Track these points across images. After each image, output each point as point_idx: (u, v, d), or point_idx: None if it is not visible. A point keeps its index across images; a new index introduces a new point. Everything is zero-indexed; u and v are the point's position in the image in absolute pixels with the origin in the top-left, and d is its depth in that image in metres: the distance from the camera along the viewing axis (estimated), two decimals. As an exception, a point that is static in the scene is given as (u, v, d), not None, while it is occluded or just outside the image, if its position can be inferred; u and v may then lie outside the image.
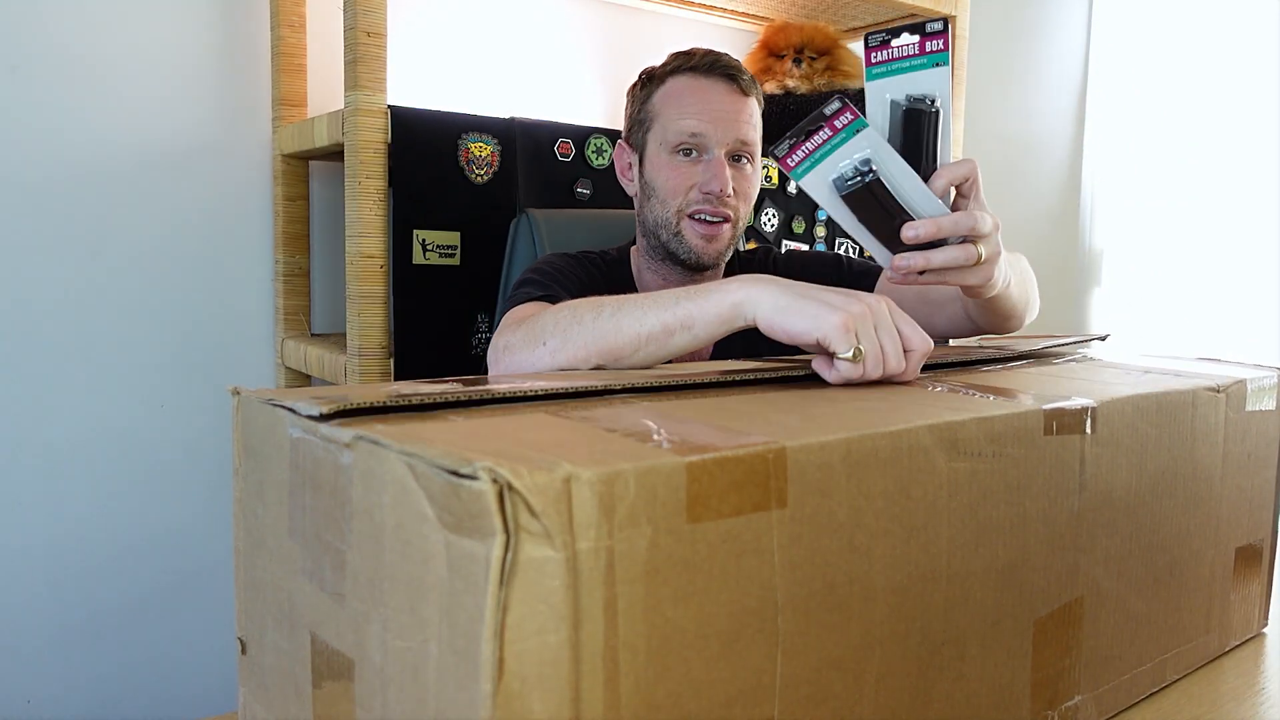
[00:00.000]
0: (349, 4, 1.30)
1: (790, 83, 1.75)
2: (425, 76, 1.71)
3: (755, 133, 1.14)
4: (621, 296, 0.81)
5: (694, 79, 1.12)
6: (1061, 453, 0.58)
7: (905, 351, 0.67)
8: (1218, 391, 0.71)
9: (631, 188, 1.18)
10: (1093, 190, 2.42)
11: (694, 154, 1.10)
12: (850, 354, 0.65)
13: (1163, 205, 2.30)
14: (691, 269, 1.14)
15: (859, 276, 1.20)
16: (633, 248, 1.23)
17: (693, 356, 1.17)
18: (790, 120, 1.74)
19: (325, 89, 1.62)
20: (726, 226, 1.12)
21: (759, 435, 0.44)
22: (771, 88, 1.75)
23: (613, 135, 1.56)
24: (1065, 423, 0.58)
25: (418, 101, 1.57)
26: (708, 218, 1.11)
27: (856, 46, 1.88)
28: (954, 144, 1.96)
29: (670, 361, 0.81)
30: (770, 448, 0.43)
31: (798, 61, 1.74)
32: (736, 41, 2.07)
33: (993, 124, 2.52)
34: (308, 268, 1.63)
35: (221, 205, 1.57)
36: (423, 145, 1.36)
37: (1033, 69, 2.49)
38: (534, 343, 0.83)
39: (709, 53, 1.13)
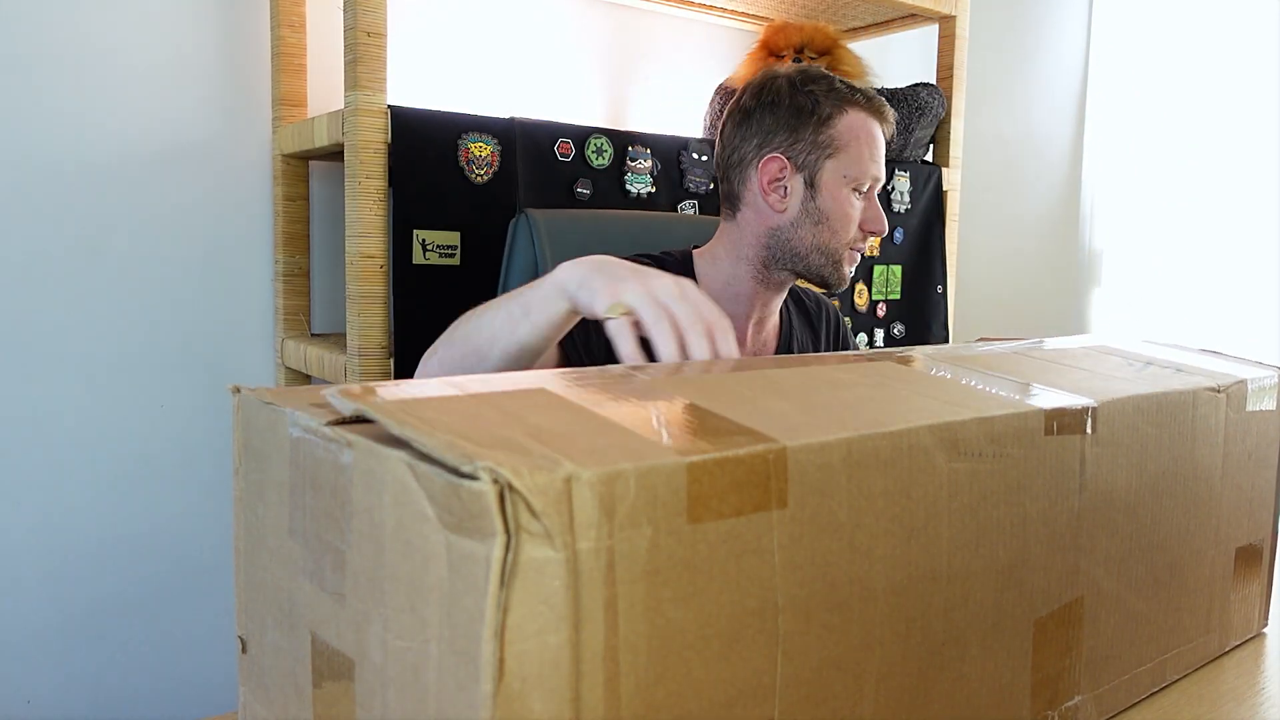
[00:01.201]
0: (349, 4, 1.30)
1: (785, 77, 1.74)
2: (425, 76, 1.71)
3: None
4: (505, 295, 0.81)
5: (870, 120, 1.15)
6: (1062, 453, 0.58)
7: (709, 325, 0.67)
8: (1218, 391, 0.71)
9: (781, 204, 1.14)
10: (1093, 190, 2.42)
11: (862, 194, 1.16)
12: (607, 310, 0.66)
13: (1163, 205, 2.30)
14: (826, 289, 1.20)
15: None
16: (698, 251, 1.21)
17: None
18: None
19: (325, 89, 1.62)
20: None
21: (759, 427, 0.44)
22: (771, 88, 1.75)
23: (613, 135, 1.55)
24: (1066, 423, 0.58)
25: (418, 101, 1.57)
26: (862, 252, 1.20)
27: (856, 46, 1.88)
28: (954, 144, 1.96)
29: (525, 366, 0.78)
30: (771, 448, 0.43)
31: (797, 60, 1.74)
32: (736, 41, 2.07)
33: (993, 124, 2.52)
34: (308, 268, 1.63)
35: (221, 205, 1.57)
36: (423, 145, 1.36)
37: (1033, 69, 2.49)
38: (429, 354, 0.83)
39: (877, 95, 1.17)
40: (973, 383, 0.61)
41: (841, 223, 1.14)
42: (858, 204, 1.14)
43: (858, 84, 1.18)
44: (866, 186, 1.14)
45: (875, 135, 1.15)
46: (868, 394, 0.55)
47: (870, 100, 1.15)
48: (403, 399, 0.44)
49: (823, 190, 1.13)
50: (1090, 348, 0.80)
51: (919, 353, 0.69)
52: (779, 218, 1.14)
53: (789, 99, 1.13)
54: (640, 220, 1.45)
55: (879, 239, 1.89)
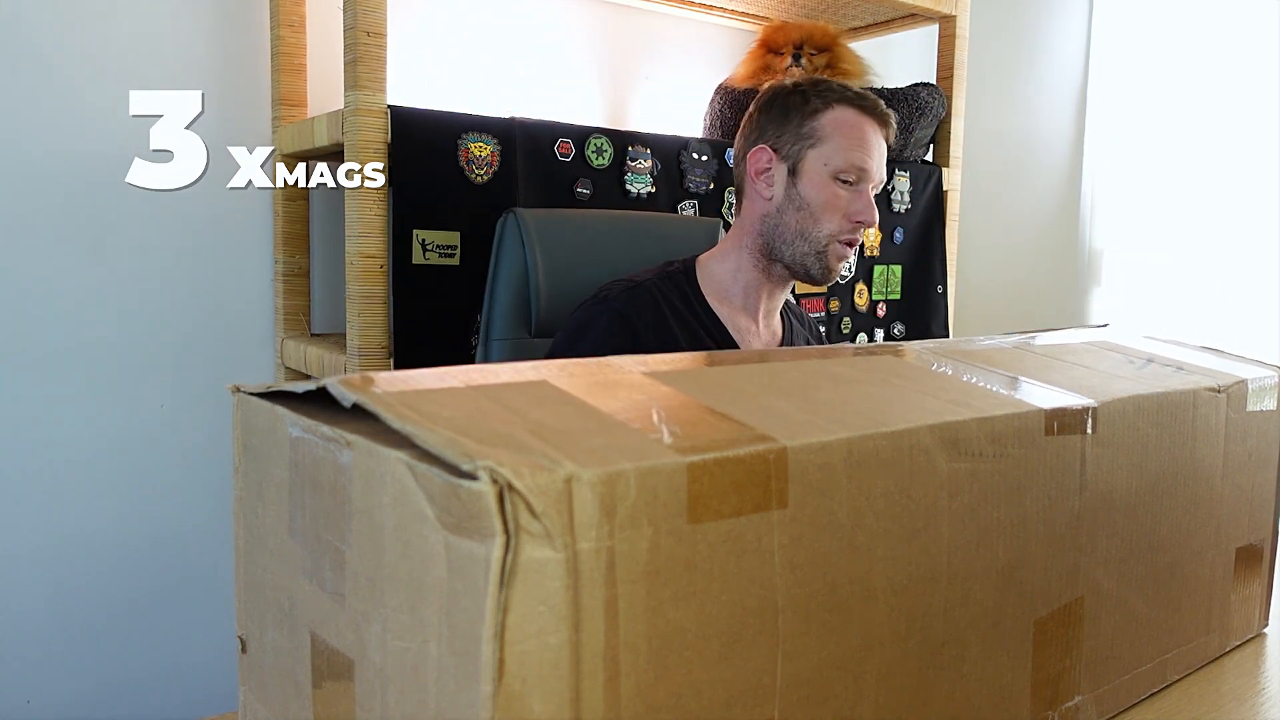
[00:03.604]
0: (349, 4, 1.30)
1: (790, 82, 1.74)
2: (425, 76, 1.71)
3: None
4: None
5: (861, 115, 1.19)
6: (1062, 453, 0.58)
7: None
8: (1218, 391, 0.71)
9: (768, 191, 1.20)
10: (1093, 190, 2.42)
11: (850, 185, 1.18)
12: None
13: (1163, 205, 2.30)
14: (813, 283, 1.23)
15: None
16: (707, 253, 1.24)
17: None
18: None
19: (325, 89, 1.62)
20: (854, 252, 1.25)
21: (760, 425, 0.44)
22: (771, 87, 1.75)
23: (613, 135, 1.55)
24: (1066, 423, 0.58)
25: (418, 101, 1.57)
26: (853, 245, 1.22)
27: (856, 46, 1.88)
28: (954, 143, 1.96)
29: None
30: (771, 448, 0.43)
31: (797, 58, 1.74)
32: (736, 41, 2.07)
33: (993, 124, 2.52)
34: (308, 268, 1.63)
35: (222, 205, 1.57)
36: (423, 145, 1.36)
37: (1033, 69, 2.49)
38: None
39: (871, 94, 1.21)
40: (973, 380, 0.61)
41: (822, 209, 1.17)
42: (842, 194, 1.18)
43: (856, 84, 1.20)
44: (853, 177, 1.17)
45: (862, 129, 1.18)
46: (869, 391, 0.55)
47: (862, 98, 1.19)
48: (403, 391, 0.43)
49: (804, 177, 1.18)
50: (1091, 343, 0.80)
51: (918, 347, 0.69)
52: (767, 204, 1.20)
53: (784, 99, 1.21)
54: (631, 220, 1.45)
55: (877, 234, 1.89)
